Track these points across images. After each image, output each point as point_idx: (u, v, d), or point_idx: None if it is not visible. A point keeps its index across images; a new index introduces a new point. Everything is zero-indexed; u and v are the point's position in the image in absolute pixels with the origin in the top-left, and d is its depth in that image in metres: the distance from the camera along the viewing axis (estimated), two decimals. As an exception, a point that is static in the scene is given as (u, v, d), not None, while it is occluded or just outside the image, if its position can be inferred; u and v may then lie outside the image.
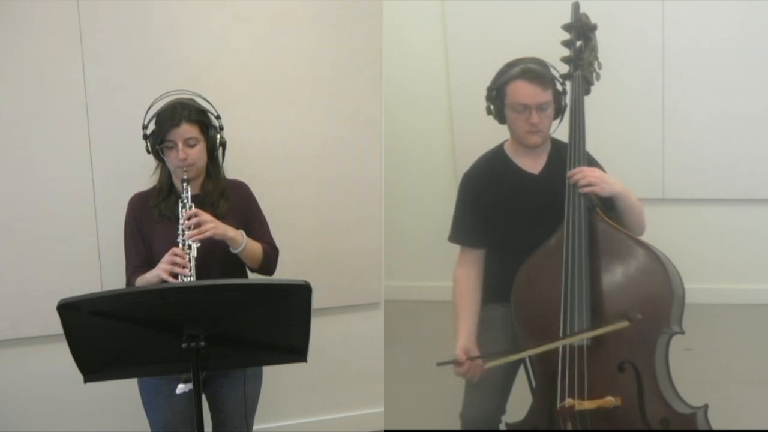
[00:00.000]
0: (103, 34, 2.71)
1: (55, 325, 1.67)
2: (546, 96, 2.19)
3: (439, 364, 2.23)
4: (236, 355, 1.94)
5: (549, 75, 2.21)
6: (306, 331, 1.82)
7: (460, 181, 2.37)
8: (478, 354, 2.20)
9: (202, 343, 1.73)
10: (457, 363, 2.18)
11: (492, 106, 2.28)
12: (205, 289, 1.77)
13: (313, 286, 1.73)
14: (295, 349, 1.87)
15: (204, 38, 2.81)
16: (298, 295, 1.75)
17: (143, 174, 2.44)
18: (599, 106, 2.50)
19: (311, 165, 3.02)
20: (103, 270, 2.84)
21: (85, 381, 1.80)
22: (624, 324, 2.00)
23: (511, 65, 2.24)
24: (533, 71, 2.19)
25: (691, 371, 2.44)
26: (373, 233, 3.19)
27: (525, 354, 2.18)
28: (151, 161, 2.37)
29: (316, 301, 1.78)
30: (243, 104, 2.81)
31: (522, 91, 2.18)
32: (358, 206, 3.13)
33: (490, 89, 2.28)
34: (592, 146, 2.28)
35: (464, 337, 2.24)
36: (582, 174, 2.12)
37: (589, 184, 2.11)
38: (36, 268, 2.77)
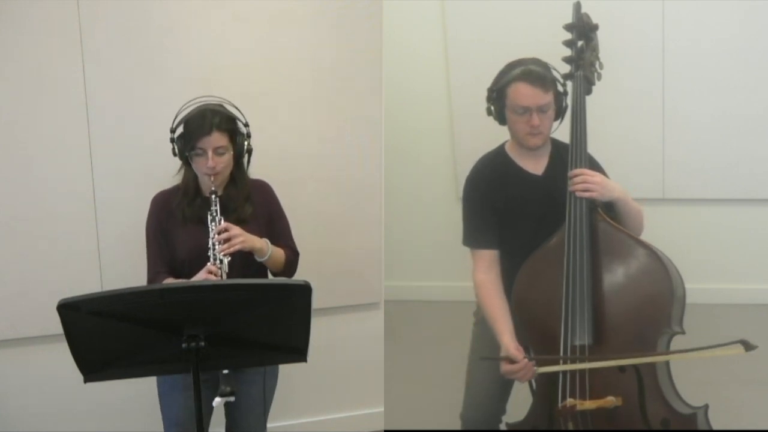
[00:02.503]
0: (103, 34, 2.71)
1: (55, 325, 1.67)
2: (547, 98, 2.18)
3: (483, 358, 2.21)
4: (236, 355, 1.93)
5: (550, 77, 2.21)
6: (306, 331, 1.82)
7: (464, 185, 2.36)
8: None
9: (202, 343, 1.73)
10: (509, 361, 2.12)
11: (492, 107, 2.28)
12: (205, 289, 1.78)
13: (313, 286, 1.73)
14: (295, 349, 1.87)
15: (204, 38, 2.81)
16: (298, 295, 1.75)
17: (143, 174, 2.45)
18: (600, 106, 2.48)
19: (311, 165, 3.03)
20: (103, 270, 2.84)
21: (85, 381, 1.80)
22: (739, 349, 1.91)
23: (511, 66, 2.23)
24: (534, 73, 2.18)
25: (691, 371, 2.43)
26: (373, 233, 3.19)
27: (587, 366, 2.07)
28: (151, 160, 2.38)
29: (316, 301, 1.78)
30: (243, 104, 2.79)
31: (523, 93, 2.17)
32: (358, 206, 3.13)
33: (490, 90, 2.27)
34: (592, 146, 2.27)
35: (509, 338, 2.17)
36: (582, 178, 2.12)
37: (587, 189, 2.10)
38: (36, 268, 2.77)
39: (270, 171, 2.84)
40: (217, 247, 2.17)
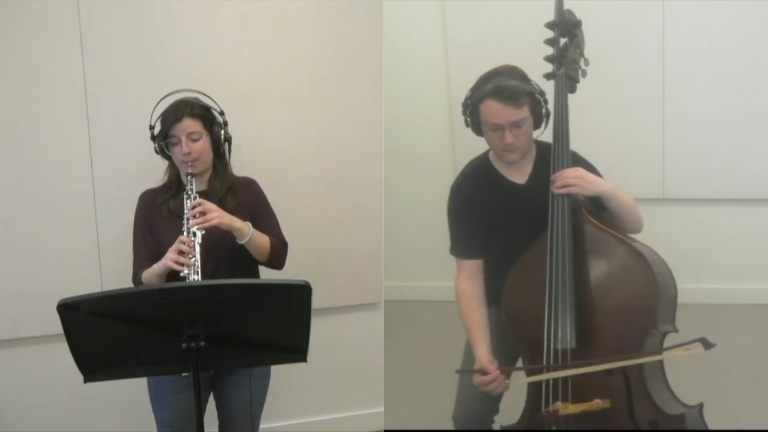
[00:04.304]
0: (103, 33, 2.71)
1: (55, 325, 1.67)
2: (520, 114, 2.10)
3: (459, 371, 2.21)
4: (236, 354, 1.94)
5: (523, 90, 2.11)
6: (306, 331, 1.82)
7: (449, 194, 2.33)
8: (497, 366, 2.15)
9: (202, 343, 1.73)
10: (482, 372, 2.12)
11: (469, 120, 2.22)
12: (205, 289, 1.78)
13: (313, 286, 1.73)
14: (295, 349, 1.87)
15: (204, 38, 2.81)
16: (298, 295, 1.74)
17: (143, 174, 2.45)
18: (599, 106, 2.49)
19: (311, 165, 3.03)
20: (103, 270, 2.84)
21: (85, 381, 1.80)
22: (699, 349, 1.90)
23: (485, 79, 2.16)
24: (505, 90, 2.09)
25: (690, 371, 2.43)
26: (373, 233, 3.19)
27: (560, 374, 2.07)
28: (151, 161, 2.38)
29: (316, 301, 1.78)
30: (243, 104, 2.82)
31: (494, 111, 2.10)
32: (358, 206, 3.13)
33: (465, 104, 2.21)
34: (591, 147, 2.27)
35: (485, 350, 2.18)
36: (560, 176, 2.07)
37: (565, 185, 2.06)
38: (36, 268, 2.77)
39: (269, 171, 2.85)
40: (191, 221, 2.16)
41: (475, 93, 2.16)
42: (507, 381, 2.12)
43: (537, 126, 2.21)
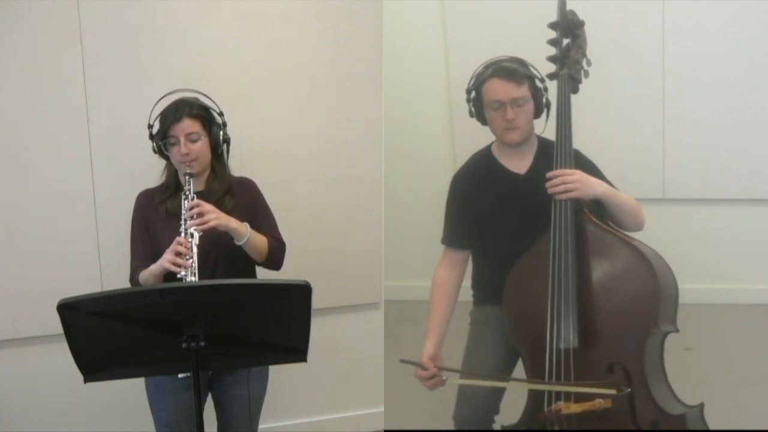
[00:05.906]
0: (103, 33, 2.71)
1: (55, 325, 1.67)
2: (520, 91, 2.18)
3: (402, 361, 2.22)
4: (236, 354, 1.94)
5: (523, 71, 2.20)
6: (306, 331, 1.82)
7: (450, 184, 2.37)
8: (442, 362, 2.20)
9: (202, 343, 1.73)
10: (421, 367, 2.18)
11: (473, 108, 2.28)
12: (205, 289, 1.78)
13: (313, 286, 1.73)
14: (295, 349, 1.87)
15: (204, 38, 2.81)
16: (298, 295, 1.74)
17: (143, 174, 2.45)
18: (599, 105, 2.49)
19: (311, 165, 3.03)
20: (103, 270, 2.84)
21: (85, 381, 1.80)
22: (612, 390, 1.99)
23: (486, 65, 2.24)
24: (505, 68, 2.19)
25: (690, 371, 2.43)
26: (373, 233, 3.19)
27: (494, 384, 2.19)
28: (151, 160, 2.38)
29: (316, 301, 1.78)
30: (243, 104, 2.82)
31: (495, 88, 2.18)
32: (358, 206, 3.13)
33: (468, 91, 2.28)
34: (591, 146, 2.27)
35: (432, 343, 2.23)
36: (561, 179, 2.08)
37: (566, 190, 2.06)
38: (36, 268, 2.77)
39: (269, 171, 2.85)
40: (188, 222, 2.16)
41: (478, 78, 2.24)
42: (444, 379, 2.18)
43: (537, 114, 2.25)
